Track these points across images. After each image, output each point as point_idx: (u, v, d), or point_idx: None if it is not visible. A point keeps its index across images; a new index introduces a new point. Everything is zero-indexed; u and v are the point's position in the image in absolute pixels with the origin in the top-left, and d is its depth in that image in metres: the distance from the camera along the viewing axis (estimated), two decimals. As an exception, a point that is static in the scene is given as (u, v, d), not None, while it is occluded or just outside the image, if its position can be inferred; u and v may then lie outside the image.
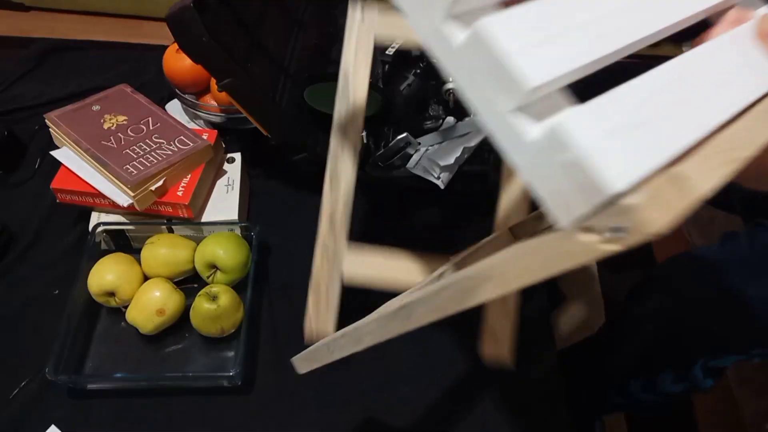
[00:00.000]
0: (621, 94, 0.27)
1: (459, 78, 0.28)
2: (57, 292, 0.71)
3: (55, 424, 0.61)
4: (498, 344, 0.54)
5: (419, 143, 0.78)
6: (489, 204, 0.78)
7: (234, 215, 0.73)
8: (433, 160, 0.75)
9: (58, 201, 0.73)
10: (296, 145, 0.77)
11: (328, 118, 0.78)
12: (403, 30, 0.58)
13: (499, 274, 0.31)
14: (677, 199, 0.25)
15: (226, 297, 0.64)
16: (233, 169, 0.78)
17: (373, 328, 0.40)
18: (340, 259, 0.57)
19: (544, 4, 0.28)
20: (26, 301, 0.71)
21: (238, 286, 0.68)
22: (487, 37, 0.25)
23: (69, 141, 0.71)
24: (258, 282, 0.71)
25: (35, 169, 0.83)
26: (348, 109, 0.59)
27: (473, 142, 0.76)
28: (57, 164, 0.72)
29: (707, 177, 0.26)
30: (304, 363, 0.54)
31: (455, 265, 0.55)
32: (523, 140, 0.26)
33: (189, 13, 0.59)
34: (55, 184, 0.71)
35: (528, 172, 0.27)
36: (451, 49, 0.27)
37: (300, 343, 0.64)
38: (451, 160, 0.74)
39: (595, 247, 0.27)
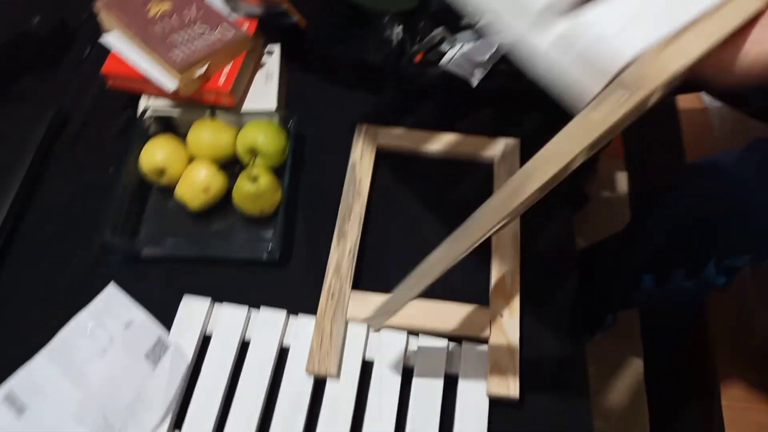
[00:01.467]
0: None
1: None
2: (111, 169, 0.76)
3: (114, 282, 0.68)
4: (504, 381, 0.59)
5: (455, 39, 0.79)
6: (522, 103, 0.81)
7: (273, 105, 0.77)
8: (468, 56, 0.76)
9: (108, 87, 0.78)
10: (333, 39, 0.79)
11: (366, 12, 0.80)
12: None
13: (542, 162, 0.39)
14: (670, 61, 0.34)
15: (265, 179, 0.69)
16: (272, 61, 0.81)
17: (441, 254, 0.47)
18: (344, 303, 0.63)
19: None
20: (81, 178, 0.77)
21: (276, 171, 0.73)
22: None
23: (118, 27, 0.75)
24: (295, 167, 0.76)
25: (85, 56, 0.87)
26: (353, 192, 0.72)
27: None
28: (105, 52, 0.76)
29: (690, 48, 0.35)
30: (377, 320, 0.59)
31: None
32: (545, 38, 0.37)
33: None
34: (105, 69, 0.75)
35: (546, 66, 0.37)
36: None
37: (333, 220, 0.70)
38: (485, 57, 0.75)
39: (609, 115, 0.35)
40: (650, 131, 1.24)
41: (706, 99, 1.31)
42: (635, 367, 1.04)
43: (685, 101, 1.34)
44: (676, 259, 0.68)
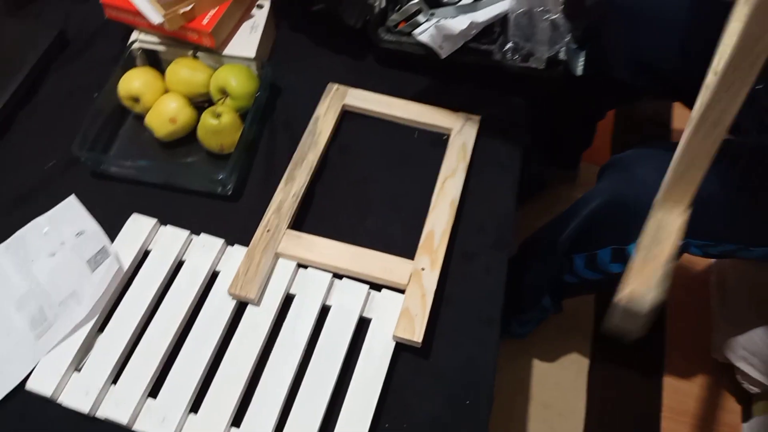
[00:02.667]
0: None
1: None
2: (96, 95, 0.81)
3: (76, 195, 0.73)
4: (411, 326, 0.61)
5: (432, 13, 0.81)
6: (488, 78, 0.83)
7: (252, 53, 0.81)
8: (441, 29, 0.79)
9: (106, 17, 0.83)
10: (319, -1, 0.82)
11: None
12: None
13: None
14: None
15: (228, 116, 0.73)
16: (260, 15, 0.85)
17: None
18: (278, 238, 0.67)
19: None
20: (68, 95, 0.82)
21: (245, 115, 0.77)
22: None
23: (119, -38, 0.80)
24: (263, 114, 0.80)
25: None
26: (311, 142, 0.74)
27: (482, 19, 0.79)
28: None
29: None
30: None
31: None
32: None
33: None
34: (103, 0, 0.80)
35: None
36: None
37: (286, 164, 0.73)
38: (456, 31, 0.78)
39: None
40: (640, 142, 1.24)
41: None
42: (581, 364, 1.04)
43: (679, 121, 1.34)
44: (604, 238, 0.69)
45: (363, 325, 0.64)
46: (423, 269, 0.66)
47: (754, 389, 0.95)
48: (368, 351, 0.62)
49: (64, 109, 0.81)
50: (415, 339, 0.61)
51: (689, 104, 0.92)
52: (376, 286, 0.66)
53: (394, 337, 0.62)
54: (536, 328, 0.98)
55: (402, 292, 0.65)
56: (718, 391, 1.02)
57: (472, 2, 0.83)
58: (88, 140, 0.74)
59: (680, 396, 1.02)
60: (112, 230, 0.70)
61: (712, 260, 1.14)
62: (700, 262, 1.16)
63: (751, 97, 0.70)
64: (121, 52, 0.84)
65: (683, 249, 0.66)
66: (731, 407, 1.01)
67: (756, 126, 0.70)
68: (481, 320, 0.66)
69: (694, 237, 0.64)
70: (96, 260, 0.67)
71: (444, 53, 0.79)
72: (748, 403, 0.99)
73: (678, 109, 1.38)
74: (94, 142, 0.75)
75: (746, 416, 0.99)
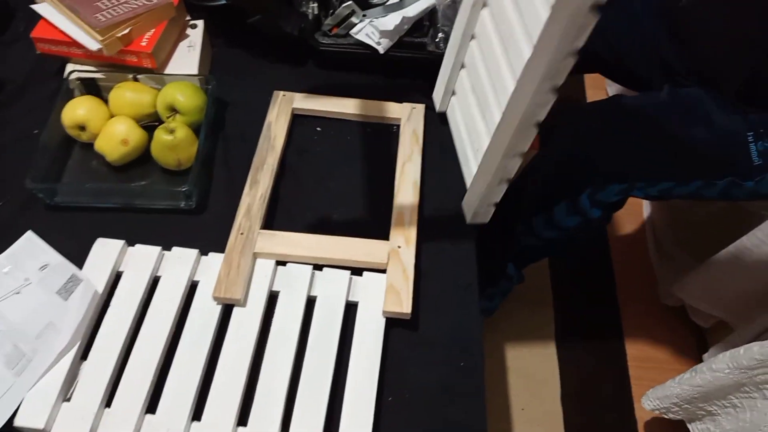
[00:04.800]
0: None
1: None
2: (36, 131, 0.79)
3: (33, 230, 0.71)
4: (398, 300, 0.64)
5: (364, 14, 0.86)
6: (425, 70, 0.88)
7: (194, 71, 0.82)
8: (375, 27, 0.83)
9: (38, 52, 0.81)
10: (252, 8, 0.85)
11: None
12: None
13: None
14: None
15: (182, 131, 0.74)
16: (195, 34, 0.86)
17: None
18: (253, 239, 0.68)
19: None
20: (11, 138, 0.80)
21: (196, 130, 0.77)
22: None
23: (46, -5, 0.79)
24: (214, 127, 0.81)
25: (21, 31, 0.91)
26: (268, 147, 0.76)
27: (412, 13, 0.84)
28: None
29: None
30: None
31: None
32: None
33: None
34: (35, 34, 0.79)
35: None
36: None
37: (248, 173, 0.74)
38: (391, 27, 0.83)
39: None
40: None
41: (609, 89, 1.43)
42: (547, 331, 1.10)
43: (592, 92, 1.45)
44: (557, 195, 0.75)
45: (350, 309, 0.66)
46: (399, 247, 0.68)
47: (706, 324, 1.03)
48: (361, 333, 0.64)
49: (9, 153, 0.79)
50: (404, 311, 0.63)
51: (609, 75, 1.01)
52: (356, 271, 0.68)
53: (384, 312, 0.64)
54: (501, 304, 1.03)
55: (383, 272, 0.67)
56: (673, 332, 1.10)
57: (400, 0, 0.88)
58: (39, 174, 0.72)
59: (641, 345, 1.09)
60: (78, 260, 0.68)
61: (646, 215, 1.23)
62: (634, 220, 1.25)
63: (660, 59, 0.78)
64: (58, 87, 0.82)
65: (628, 191, 0.72)
66: (688, 344, 1.09)
67: (663, 79, 0.78)
68: (460, 286, 0.69)
69: (635, 180, 0.71)
70: (67, 289, 0.65)
71: (382, 49, 0.83)
72: (702, 337, 1.08)
73: (590, 80, 1.48)
74: (46, 175, 0.74)
75: (702, 349, 1.06)
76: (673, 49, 0.75)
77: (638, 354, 1.07)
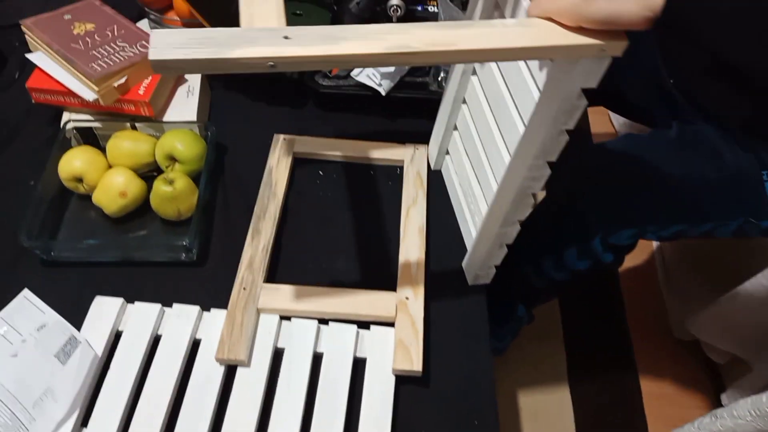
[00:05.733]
0: None
1: None
2: (32, 182, 0.78)
3: (29, 288, 0.68)
4: (408, 357, 0.62)
5: (365, 54, 0.84)
6: (427, 109, 0.86)
7: (193, 117, 0.80)
8: (377, 68, 0.82)
9: (33, 101, 0.80)
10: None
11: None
12: None
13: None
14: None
15: (181, 181, 0.72)
16: (194, 78, 0.85)
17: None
18: (256, 294, 0.66)
19: None
20: (4, 188, 0.78)
21: (195, 178, 0.76)
22: None
23: (42, 44, 0.78)
24: (214, 174, 0.79)
25: (15, 78, 0.90)
26: (269, 193, 0.75)
27: (414, 54, 0.83)
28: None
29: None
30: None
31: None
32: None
33: None
34: (30, 84, 0.78)
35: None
36: None
37: (249, 222, 0.73)
38: (392, 69, 0.81)
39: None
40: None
41: (615, 123, 1.41)
42: (559, 368, 1.07)
43: (597, 126, 1.44)
44: (567, 237, 0.73)
45: (358, 365, 0.64)
46: (407, 298, 0.66)
47: (722, 360, 1.00)
48: (370, 391, 0.61)
49: (3, 204, 0.77)
50: (414, 368, 0.61)
51: (613, 109, 1.00)
52: (363, 324, 0.66)
53: (394, 370, 0.61)
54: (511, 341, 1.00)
55: (391, 325, 0.65)
56: (687, 367, 1.08)
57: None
58: (34, 229, 0.70)
59: (655, 380, 1.06)
60: (76, 319, 0.66)
61: (656, 246, 1.21)
62: (644, 252, 1.23)
63: (662, 92, 0.76)
64: (52, 135, 0.81)
65: (640, 235, 0.70)
66: (703, 380, 1.06)
67: (672, 116, 0.76)
68: (470, 337, 0.67)
69: (648, 223, 0.69)
70: (65, 351, 0.63)
71: (384, 90, 0.82)
72: (717, 373, 1.05)
73: (594, 115, 1.48)
74: (41, 229, 0.72)
75: (718, 386, 1.04)
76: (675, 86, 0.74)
77: (653, 390, 1.05)
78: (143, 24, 0.94)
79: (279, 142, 0.81)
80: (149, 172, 0.77)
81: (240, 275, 0.67)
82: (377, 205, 0.78)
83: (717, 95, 0.70)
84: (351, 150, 0.81)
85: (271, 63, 0.38)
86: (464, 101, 0.69)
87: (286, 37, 0.39)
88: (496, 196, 0.58)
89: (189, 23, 0.87)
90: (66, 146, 0.77)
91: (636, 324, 1.12)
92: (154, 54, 0.37)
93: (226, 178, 0.81)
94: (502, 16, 0.55)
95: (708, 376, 1.07)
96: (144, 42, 0.79)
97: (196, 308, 0.66)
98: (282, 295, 0.66)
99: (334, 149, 0.81)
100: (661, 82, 0.77)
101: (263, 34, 0.39)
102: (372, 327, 0.65)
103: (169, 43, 0.37)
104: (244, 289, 0.66)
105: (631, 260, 1.21)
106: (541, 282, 0.80)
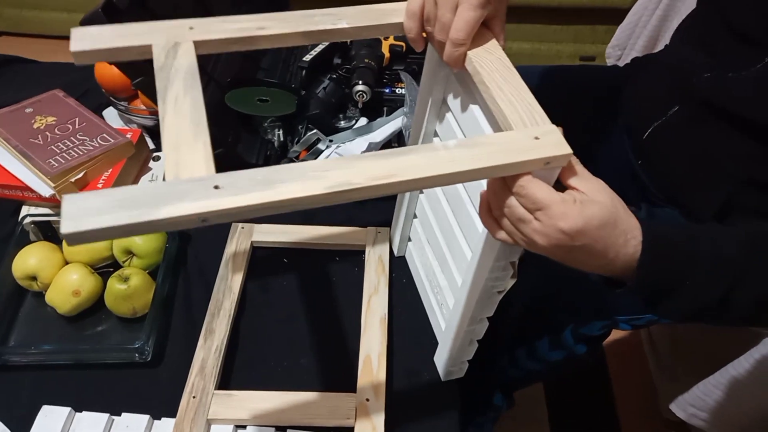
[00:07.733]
0: None
1: None
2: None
3: (-26, 397, 0.65)
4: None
5: (330, 140, 0.84)
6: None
7: (155, 207, 0.79)
8: (340, 154, 0.81)
9: (-9, 197, 0.79)
10: (217, 142, 0.83)
11: (247, 118, 0.85)
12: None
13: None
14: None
15: (137, 278, 0.70)
16: (158, 167, 0.84)
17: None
18: (207, 403, 0.63)
19: None
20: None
21: (154, 272, 0.74)
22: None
23: (1, 139, 0.77)
24: (175, 265, 0.77)
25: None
26: (225, 288, 0.73)
27: (379, 138, 0.82)
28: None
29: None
30: None
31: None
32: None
33: (98, 18, 0.66)
34: (-12, 179, 0.77)
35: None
36: None
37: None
38: (357, 152, 0.80)
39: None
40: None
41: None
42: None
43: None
44: (537, 329, 0.70)
45: (316, 477, 0.60)
46: (368, 400, 0.63)
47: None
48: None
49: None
50: (374, 482, 0.57)
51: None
52: (322, 429, 0.62)
53: (351, 485, 0.58)
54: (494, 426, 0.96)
55: (351, 430, 0.62)
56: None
57: (367, 124, 0.86)
58: (-17, 332, 0.68)
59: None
60: (23, 427, 0.63)
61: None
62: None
63: (632, 175, 0.75)
64: (11, 230, 0.79)
65: (612, 326, 0.67)
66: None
67: (641, 198, 0.75)
68: (439, 440, 0.63)
69: (619, 314, 0.66)
70: (4, 470, 0.59)
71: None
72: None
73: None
74: (-8, 332, 0.69)
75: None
76: (645, 173, 0.73)
77: (643, 474, 0.99)
78: (110, 112, 0.94)
79: (237, 231, 0.79)
80: (107, 267, 0.75)
81: (190, 382, 0.64)
82: (339, 294, 0.75)
83: (693, 185, 0.69)
84: (311, 236, 0.79)
85: (203, 219, 0.35)
86: (421, 191, 0.68)
87: (216, 187, 0.36)
88: (460, 294, 0.56)
89: (155, 111, 0.87)
90: (24, 241, 0.75)
91: (624, 403, 1.08)
92: (66, 227, 0.32)
93: (189, 268, 0.79)
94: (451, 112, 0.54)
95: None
96: (105, 135, 0.78)
97: (146, 418, 0.63)
98: (235, 402, 0.63)
99: (294, 236, 0.79)
100: (632, 167, 0.76)
101: (191, 186, 0.35)
102: (331, 433, 0.62)
103: (85, 209, 0.33)
104: (194, 397, 0.63)
105: (618, 336, 1.18)
106: (517, 372, 0.76)
